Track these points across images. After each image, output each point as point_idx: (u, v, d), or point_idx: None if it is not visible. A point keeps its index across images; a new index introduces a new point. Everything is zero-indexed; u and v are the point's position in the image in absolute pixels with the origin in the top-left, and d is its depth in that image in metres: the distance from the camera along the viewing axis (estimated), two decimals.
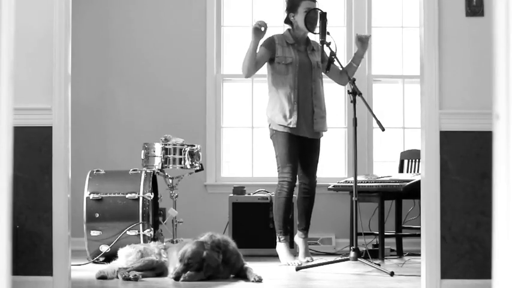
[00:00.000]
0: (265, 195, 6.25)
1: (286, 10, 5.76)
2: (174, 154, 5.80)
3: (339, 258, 5.33)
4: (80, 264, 5.33)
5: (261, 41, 5.67)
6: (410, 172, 6.49)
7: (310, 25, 5.63)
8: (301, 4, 5.67)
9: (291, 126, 5.57)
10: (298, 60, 5.65)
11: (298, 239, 5.79)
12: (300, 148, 5.65)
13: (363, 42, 5.67)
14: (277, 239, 5.66)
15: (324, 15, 5.47)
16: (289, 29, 5.77)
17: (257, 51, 5.62)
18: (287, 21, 5.78)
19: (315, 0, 5.73)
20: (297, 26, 5.70)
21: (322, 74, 5.77)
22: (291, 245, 5.82)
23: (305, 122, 5.64)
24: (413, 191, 5.76)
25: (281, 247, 5.64)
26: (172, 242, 5.61)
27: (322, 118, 5.71)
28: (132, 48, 6.94)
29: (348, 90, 5.33)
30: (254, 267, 4.74)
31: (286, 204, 5.62)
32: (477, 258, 3.87)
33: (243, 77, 5.74)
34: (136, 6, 6.97)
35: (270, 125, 5.69)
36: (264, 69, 5.79)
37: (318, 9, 5.64)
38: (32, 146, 3.91)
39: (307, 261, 5.51)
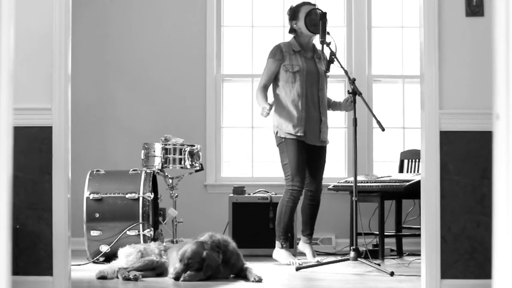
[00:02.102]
0: (265, 195, 6.25)
1: (289, 20, 5.78)
2: (174, 154, 5.80)
3: (339, 258, 5.33)
4: (80, 264, 5.33)
5: (268, 53, 5.73)
6: (410, 172, 6.49)
7: (312, 27, 5.64)
8: (301, 10, 5.70)
9: (298, 134, 5.59)
10: (305, 68, 5.66)
11: (303, 244, 5.79)
12: (308, 156, 5.67)
13: (349, 105, 5.66)
14: (279, 245, 5.65)
15: (324, 15, 5.47)
16: (294, 37, 5.78)
17: (271, 71, 5.68)
18: (291, 30, 5.79)
19: (314, 4, 5.75)
20: (301, 32, 5.71)
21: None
22: (290, 246, 5.83)
23: (312, 130, 5.65)
24: (413, 191, 5.76)
25: (281, 253, 5.63)
26: (172, 242, 5.61)
27: (327, 128, 5.75)
28: (132, 48, 6.94)
29: (348, 90, 5.33)
30: (254, 267, 4.74)
31: (292, 212, 5.65)
32: (477, 258, 3.87)
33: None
34: (136, 6, 6.97)
35: (277, 133, 5.68)
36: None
37: (318, 9, 5.64)
38: (32, 146, 3.91)
39: (317, 261, 5.48)
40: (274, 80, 5.72)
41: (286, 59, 5.66)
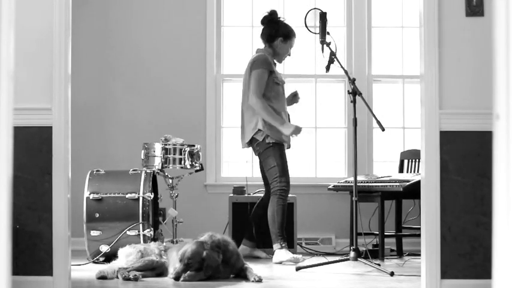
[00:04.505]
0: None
1: (276, 35, 5.87)
2: (174, 154, 5.80)
3: (338, 258, 5.33)
4: (80, 264, 5.33)
5: (254, 63, 5.80)
6: (410, 172, 6.49)
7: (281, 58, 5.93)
8: (292, 39, 5.90)
9: (286, 146, 5.83)
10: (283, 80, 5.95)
11: None
12: None
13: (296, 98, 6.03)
14: (279, 246, 5.66)
15: (323, 15, 5.47)
16: (269, 48, 5.90)
17: (265, 81, 5.75)
18: (270, 40, 5.89)
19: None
20: (278, 52, 5.89)
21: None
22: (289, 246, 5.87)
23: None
24: (413, 191, 5.76)
25: (282, 252, 5.63)
26: (172, 242, 5.61)
27: None
28: (132, 48, 6.94)
29: (348, 90, 5.34)
30: (254, 267, 4.74)
31: (283, 211, 5.78)
32: (477, 258, 3.87)
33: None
34: (136, 6, 6.97)
35: (263, 139, 5.73)
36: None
37: (318, 9, 5.65)
38: (32, 146, 3.91)
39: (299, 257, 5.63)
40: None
41: (274, 72, 5.83)
